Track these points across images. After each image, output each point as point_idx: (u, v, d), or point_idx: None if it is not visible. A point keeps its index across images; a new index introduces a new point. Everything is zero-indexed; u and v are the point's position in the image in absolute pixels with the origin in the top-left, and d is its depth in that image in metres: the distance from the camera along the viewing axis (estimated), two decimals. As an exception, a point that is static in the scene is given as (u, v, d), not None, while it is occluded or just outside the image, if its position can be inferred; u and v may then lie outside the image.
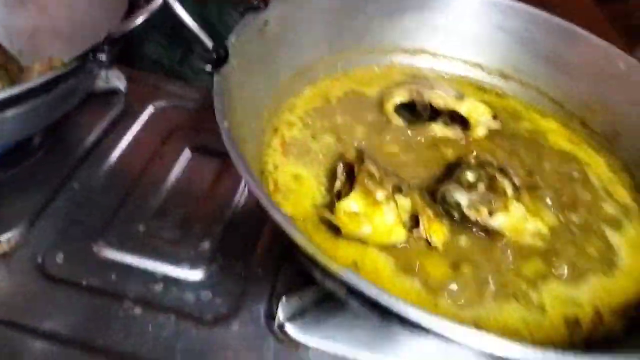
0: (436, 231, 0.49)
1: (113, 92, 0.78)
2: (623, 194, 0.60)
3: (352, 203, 0.47)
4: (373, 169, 0.49)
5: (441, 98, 0.60)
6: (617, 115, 0.64)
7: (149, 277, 0.58)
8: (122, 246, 0.60)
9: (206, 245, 0.62)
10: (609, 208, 0.58)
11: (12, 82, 0.67)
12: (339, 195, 0.51)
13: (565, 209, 0.57)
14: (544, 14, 0.67)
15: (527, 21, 0.68)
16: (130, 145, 0.73)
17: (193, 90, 0.84)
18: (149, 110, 0.78)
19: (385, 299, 0.34)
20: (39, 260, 0.58)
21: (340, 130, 0.60)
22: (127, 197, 0.66)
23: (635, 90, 0.63)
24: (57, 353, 0.51)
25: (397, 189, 0.49)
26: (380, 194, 0.47)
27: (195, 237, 0.63)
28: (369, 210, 0.47)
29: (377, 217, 0.47)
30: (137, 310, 0.55)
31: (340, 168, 0.52)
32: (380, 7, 0.67)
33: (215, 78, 0.47)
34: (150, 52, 0.92)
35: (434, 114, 0.63)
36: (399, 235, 0.48)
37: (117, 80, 0.77)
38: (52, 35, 0.75)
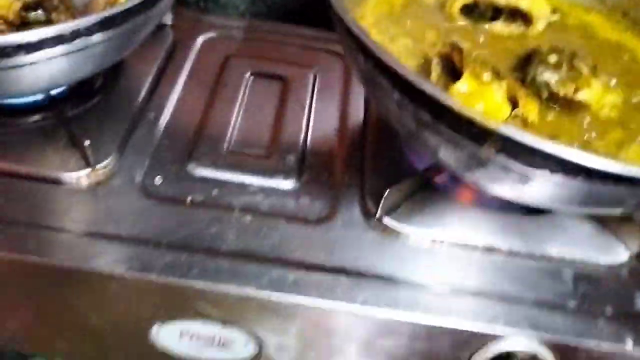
0: (531, 109, 0.53)
1: (159, 27, 0.78)
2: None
3: (464, 84, 0.50)
4: (474, 54, 0.52)
5: None
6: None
7: (248, 189, 0.61)
8: (215, 165, 0.63)
9: (291, 158, 0.65)
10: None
11: (74, 16, 0.66)
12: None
13: (628, 88, 0.62)
14: None
15: None
16: (191, 74, 0.75)
17: (235, 21, 0.85)
18: (199, 41, 0.79)
19: (546, 145, 0.38)
20: (140, 183, 0.60)
21: (413, 34, 0.63)
22: (202, 122, 0.68)
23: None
24: (186, 261, 0.53)
25: (496, 73, 0.52)
26: (487, 75, 0.51)
27: (279, 152, 0.65)
28: (479, 90, 0.50)
29: (488, 95, 0.50)
30: (248, 218, 0.58)
31: (435, 60, 0.55)
32: None
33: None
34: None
35: (495, 13, 0.66)
36: (505, 111, 0.51)
37: (163, 13, 0.77)
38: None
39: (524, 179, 0.43)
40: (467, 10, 0.66)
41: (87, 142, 0.58)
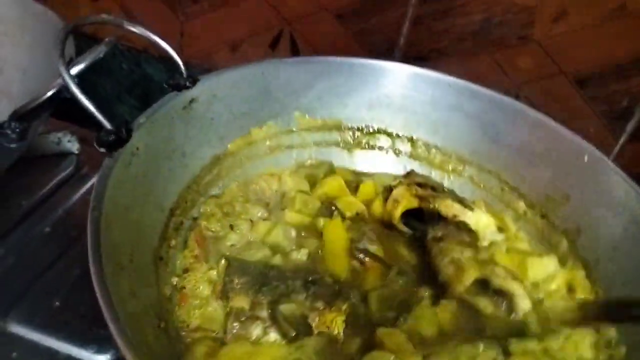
0: (333, 321, 0.45)
1: (66, 154, 0.77)
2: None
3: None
4: (242, 301, 0.46)
5: (449, 207, 0.58)
6: (580, 210, 0.59)
7: (51, 357, 0.55)
8: (31, 321, 0.57)
9: (121, 326, 0.58)
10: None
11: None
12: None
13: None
14: (504, 98, 0.63)
15: (487, 104, 0.63)
16: (73, 209, 0.71)
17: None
18: (100, 174, 0.76)
19: None
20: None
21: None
22: (53, 265, 0.63)
23: (597, 185, 0.57)
24: None
25: (276, 303, 0.45)
26: (256, 330, 0.44)
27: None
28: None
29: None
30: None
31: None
32: (328, 85, 0.64)
33: (105, 162, 0.44)
34: (122, 112, 0.91)
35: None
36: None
37: (68, 143, 0.75)
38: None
39: None
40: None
41: None
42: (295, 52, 0.79)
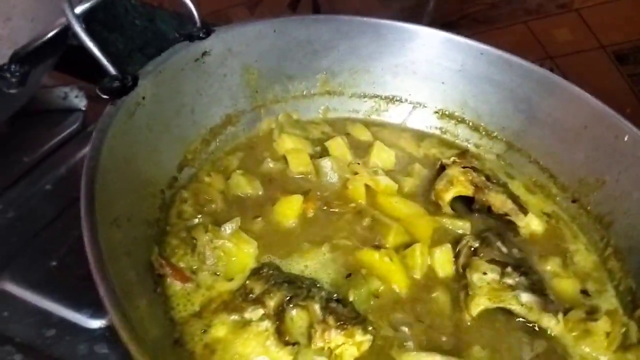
0: (341, 346, 0.41)
1: (72, 110, 0.73)
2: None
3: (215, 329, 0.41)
4: (257, 284, 0.43)
5: (503, 204, 0.55)
6: (615, 196, 0.54)
7: (44, 319, 0.52)
8: (26, 281, 0.54)
9: (120, 289, 0.55)
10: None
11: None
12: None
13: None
14: (539, 70, 0.58)
15: (521, 76, 0.59)
16: (76, 168, 0.68)
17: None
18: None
19: None
20: None
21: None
22: (51, 224, 0.60)
23: (637, 169, 0.52)
24: None
25: (286, 302, 0.42)
26: (253, 313, 0.41)
27: (110, 278, 0.56)
28: (230, 336, 0.40)
29: (240, 342, 0.40)
30: (17, 357, 0.48)
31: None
32: (351, 47, 0.60)
33: (107, 110, 0.40)
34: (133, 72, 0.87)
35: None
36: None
37: (75, 98, 0.72)
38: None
39: None
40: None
41: None
42: (316, 13, 0.75)
